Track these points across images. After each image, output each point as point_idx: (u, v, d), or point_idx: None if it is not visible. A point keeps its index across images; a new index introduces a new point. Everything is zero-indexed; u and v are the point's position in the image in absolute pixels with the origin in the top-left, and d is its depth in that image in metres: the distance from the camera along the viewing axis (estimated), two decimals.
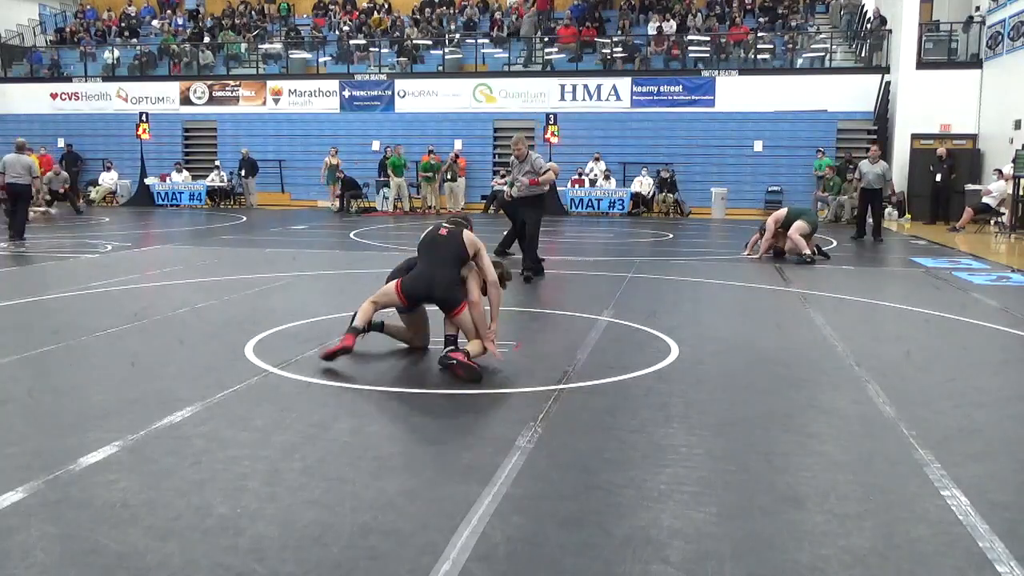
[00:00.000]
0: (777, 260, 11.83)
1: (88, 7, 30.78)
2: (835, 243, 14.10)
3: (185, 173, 23.89)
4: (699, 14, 24.90)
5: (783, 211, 12.27)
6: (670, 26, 24.13)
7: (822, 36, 23.63)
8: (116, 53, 27.00)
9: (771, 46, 23.36)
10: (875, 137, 20.23)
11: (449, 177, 21.69)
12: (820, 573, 2.84)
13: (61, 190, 18.88)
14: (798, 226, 11.67)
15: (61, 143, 24.91)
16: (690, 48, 23.45)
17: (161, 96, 25.34)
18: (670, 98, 22.45)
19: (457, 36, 25.34)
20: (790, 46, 23.18)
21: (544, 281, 9.60)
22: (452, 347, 5.43)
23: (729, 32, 23.91)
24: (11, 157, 13.56)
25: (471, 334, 5.53)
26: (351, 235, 15.34)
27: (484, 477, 3.60)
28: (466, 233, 5.70)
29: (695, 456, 3.97)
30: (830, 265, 11.39)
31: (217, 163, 23.97)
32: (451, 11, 27.24)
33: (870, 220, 15.08)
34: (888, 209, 18.14)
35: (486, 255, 5.75)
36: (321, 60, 25.74)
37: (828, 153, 21.13)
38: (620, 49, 23.98)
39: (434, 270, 5.54)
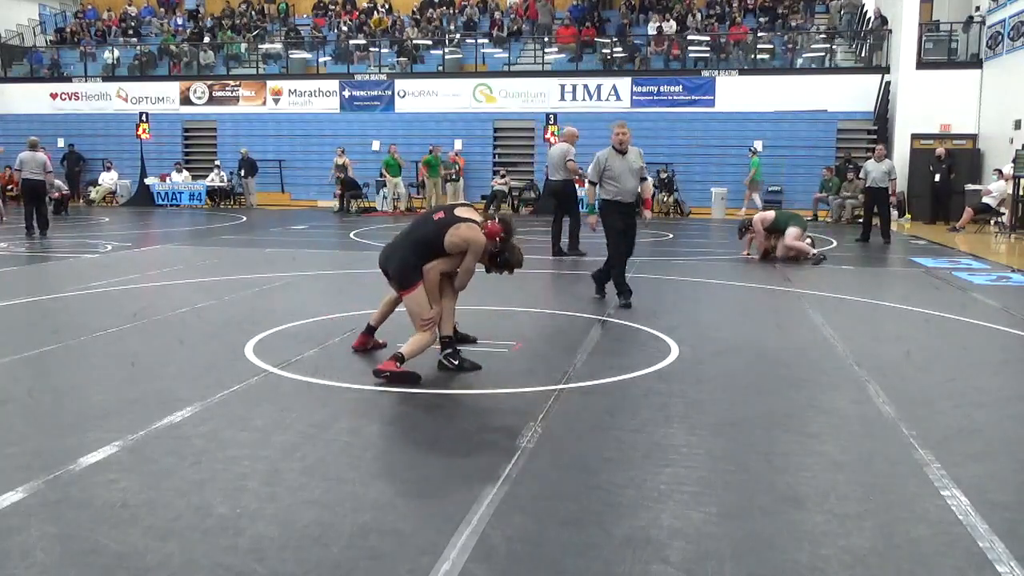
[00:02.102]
0: (768, 260, 11.71)
1: (88, 7, 30.77)
2: (835, 243, 14.10)
3: (185, 173, 23.89)
4: (699, 14, 24.90)
5: (771, 214, 12.17)
6: (670, 26, 24.12)
7: (822, 36, 23.64)
8: (116, 53, 26.99)
9: (771, 46, 23.36)
10: (875, 137, 20.24)
11: (452, 177, 21.63)
12: (820, 573, 2.84)
13: (56, 195, 18.99)
14: (794, 232, 11.50)
15: (61, 143, 24.88)
16: (690, 48, 23.44)
17: (161, 96, 25.34)
18: (670, 98, 22.44)
19: (457, 36, 25.34)
20: (790, 46, 23.17)
21: (544, 281, 9.60)
22: (450, 349, 5.44)
23: (729, 32, 23.91)
24: (27, 154, 14.31)
25: (415, 320, 5.30)
26: (351, 235, 15.35)
27: (484, 477, 3.60)
28: (459, 228, 5.24)
29: (695, 456, 3.97)
30: (830, 265, 11.38)
31: (217, 163, 23.95)
32: (451, 11, 27.24)
33: (875, 223, 15.01)
34: None
35: (472, 261, 5.34)
36: (321, 60, 25.73)
37: (828, 153, 21.10)
38: (620, 49, 23.98)
39: (395, 250, 5.42)
